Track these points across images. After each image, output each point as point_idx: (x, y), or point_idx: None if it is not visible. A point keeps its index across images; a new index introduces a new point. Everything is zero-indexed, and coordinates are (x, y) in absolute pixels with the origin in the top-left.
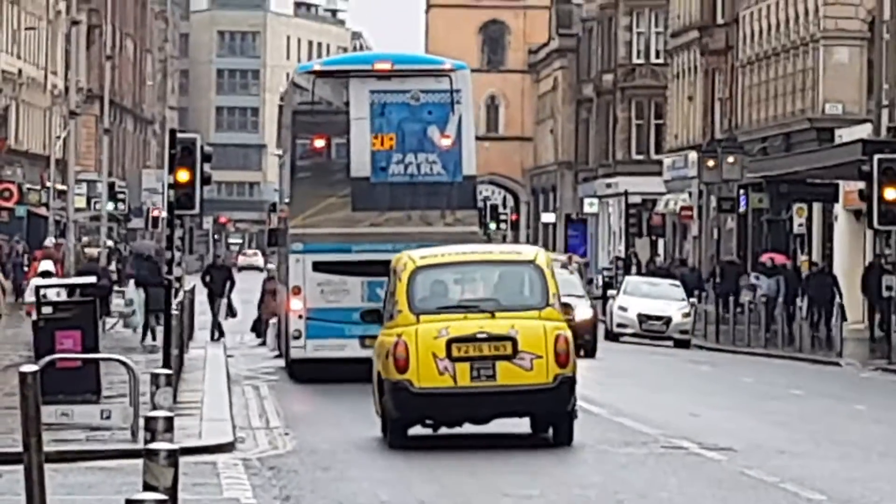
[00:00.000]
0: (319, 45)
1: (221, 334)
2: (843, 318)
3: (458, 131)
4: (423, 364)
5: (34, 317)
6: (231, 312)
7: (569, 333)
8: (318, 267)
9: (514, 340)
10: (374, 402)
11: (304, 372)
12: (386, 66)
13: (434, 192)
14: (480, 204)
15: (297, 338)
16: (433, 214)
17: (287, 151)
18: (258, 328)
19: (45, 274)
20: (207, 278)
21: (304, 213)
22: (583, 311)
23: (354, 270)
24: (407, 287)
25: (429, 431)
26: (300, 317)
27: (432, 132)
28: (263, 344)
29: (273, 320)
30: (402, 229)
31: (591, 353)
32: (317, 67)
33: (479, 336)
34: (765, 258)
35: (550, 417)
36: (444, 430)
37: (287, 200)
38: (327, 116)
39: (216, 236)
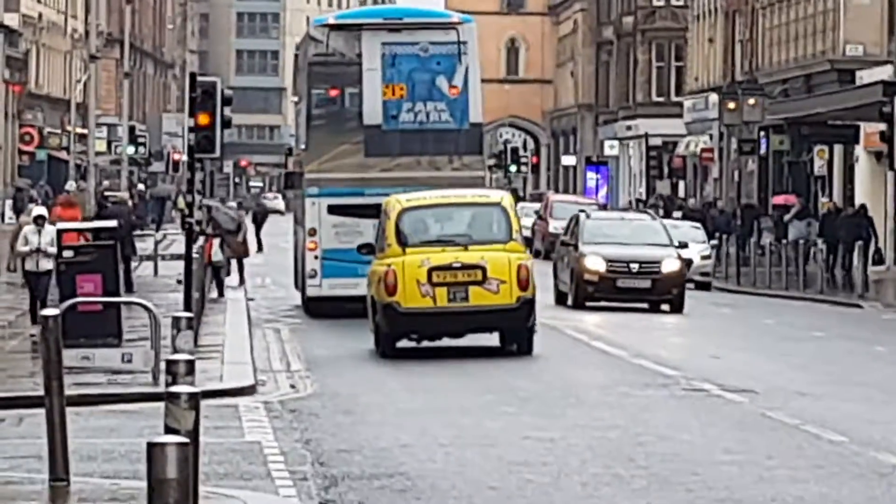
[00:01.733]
0: None
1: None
2: (878, 261)
3: (464, 81)
4: (409, 288)
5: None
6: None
7: (529, 263)
8: (332, 210)
9: (483, 269)
10: (369, 320)
11: (319, 308)
12: (397, 19)
13: (442, 139)
14: (501, 147)
15: (312, 276)
16: (441, 160)
17: (303, 100)
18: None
19: (38, 219)
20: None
21: (319, 159)
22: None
23: (367, 213)
24: (395, 225)
25: (413, 344)
26: (316, 257)
27: (440, 82)
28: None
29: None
30: (412, 174)
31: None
32: (331, 21)
33: (455, 265)
34: (778, 200)
35: (514, 333)
36: (426, 343)
37: (303, 146)
38: (341, 67)
39: (237, 179)
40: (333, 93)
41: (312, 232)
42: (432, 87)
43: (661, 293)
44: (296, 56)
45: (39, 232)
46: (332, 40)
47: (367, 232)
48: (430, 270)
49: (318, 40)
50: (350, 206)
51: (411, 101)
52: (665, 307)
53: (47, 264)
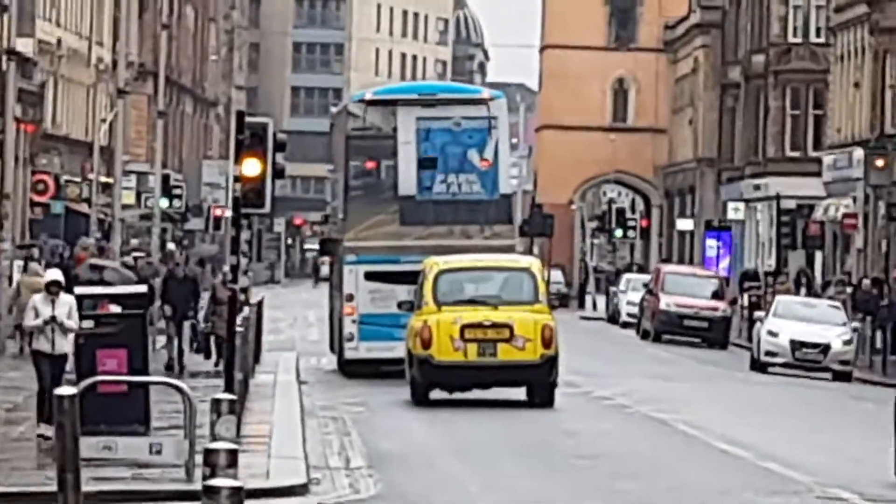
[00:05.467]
0: (416, 15)
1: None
2: None
3: (495, 154)
4: (443, 343)
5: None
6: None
7: (553, 323)
8: (369, 276)
9: (511, 327)
10: (406, 371)
11: (356, 370)
12: (430, 94)
13: (473, 209)
14: (604, 207)
15: (350, 340)
16: (473, 229)
17: (340, 171)
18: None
19: (51, 287)
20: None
21: (356, 228)
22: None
23: (402, 279)
24: (432, 285)
25: (445, 395)
26: (353, 321)
27: (472, 155)
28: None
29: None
30: (445, 242)
31: None
32: (368, 97)
33: (485, 323)
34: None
35: (537, 387)
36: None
37: (341, 216)
38: (378, 141)
39: (290, 241)
40: (370, 165)
41: (350, 297)
42: (464, 160)
43: None
44: (331, 126)
45: (53, 302)
46: (370, 115)
47: (402, 297)
48: (463, 327)
49: (355, 115)
50: (386, 273)
51: (444, 172)
52: None
53: (65, 344)
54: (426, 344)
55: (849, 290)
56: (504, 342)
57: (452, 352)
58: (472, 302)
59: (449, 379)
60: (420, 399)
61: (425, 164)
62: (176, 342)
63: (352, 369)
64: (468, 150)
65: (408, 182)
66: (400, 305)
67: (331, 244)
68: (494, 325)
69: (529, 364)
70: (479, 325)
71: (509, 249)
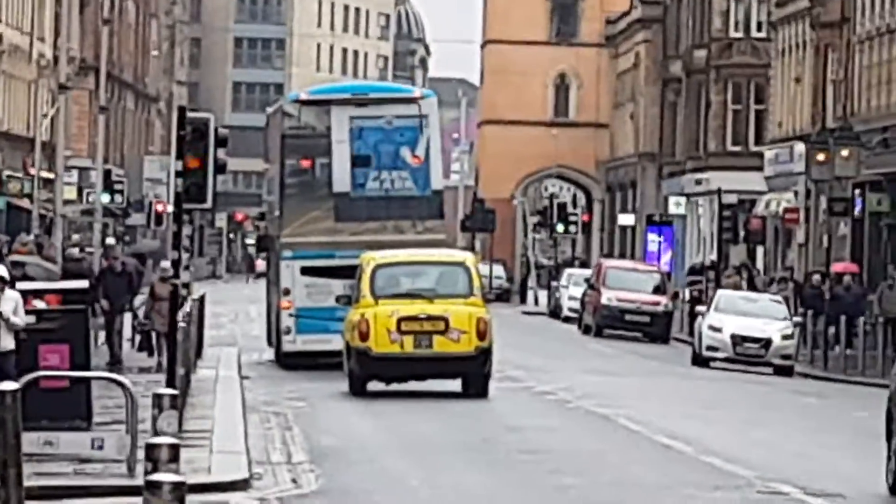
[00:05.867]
0: (357, 10)
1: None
2: None
3: (426, 151)
4: (380, 335)
5: None
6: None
7: (488, 316)
8: (305, 271)
9: (446, 320)
10: (344, 364)
11: (293, 363)
12: (363, 94)
13: (406, 205)
14: (545, 202)
15: (287, 333)
16: (405, 224)
17: (276, 169)
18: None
19: None
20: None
21: (293, 225)
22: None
23: (337, 274)
24: (370, 279)
25: (382, 386)
26: (290, 315)
27: (404, 152)
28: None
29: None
30: (379, 237)
31: None
32: (303, 97)
33: (421, 316)
34: (837, 268)
35: (472, 378)
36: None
37: (277, 213)
38: (312, 140)
39: (231, 236)
40: (305, 163)
41: (287, 292)
42: (396, 157)
43: None
44: (266, 124)
45: None
46: (304, 115)
47: (337, 291)
48: (399, 320)
49: (290, 114)
50: (322, 268)
51: (377, 170)
52: None
53: (10, 342)
54: (364, 336)
55: (791, 285)
56: (439, 334)
57: (389, 344)
58: (408, 295)
59: (386, 370)
60: (358, 390)
61: (359, 161)
62: (115, 337)
63: (289, 361)
64: (400, 147)
65: (342, 179)
66: (338, 299)
67: (267, 240)
68: (430, 318)
69: (464, 356)
70: (415, 318)
71: (440, 244)
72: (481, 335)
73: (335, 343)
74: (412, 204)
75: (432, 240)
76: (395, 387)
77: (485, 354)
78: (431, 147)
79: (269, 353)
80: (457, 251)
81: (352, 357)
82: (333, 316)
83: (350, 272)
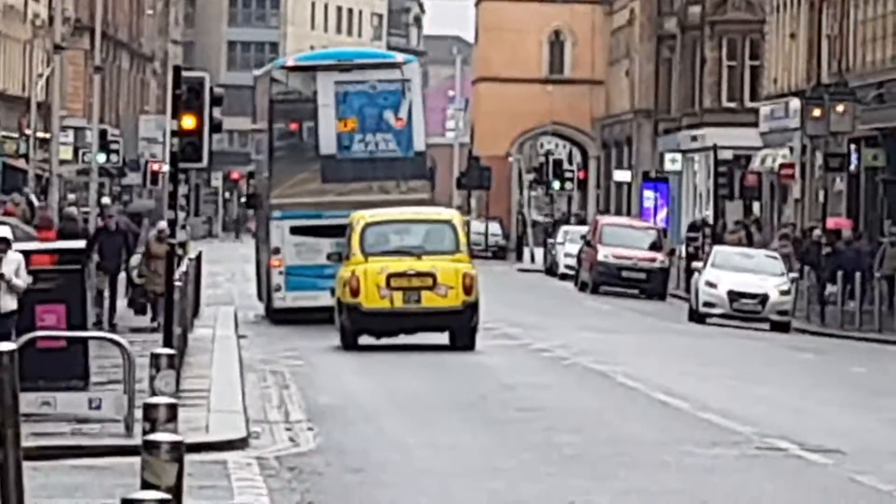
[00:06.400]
0: None
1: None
2: None
3: (409, 114)
4: (370, 291)
5: None
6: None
7: (474, 271)
8: (294, 230)
9: (434, 276)
10: (336, 319)
11: (283, 318)
12: (347, 60)
13: (390, 166)
14: (541, 159)
15: (277, 290)
16: (390, 184)
17: (265, 133)
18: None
19: None
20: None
21: (282, 186)
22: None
23: (325, 233)
24: (359, 236)
25: (373, 340)
26: (280, 272)
27: (388, 115)
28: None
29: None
30: (364, 197)
31: None
32: (290, 63)
33: (410, 272)
34: (830, 224)
35: (460, 331)
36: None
37: (267, 174)
38: (299, 104)
39: (227, 195)
40: (293, 127)
41: (277, 250)
42: (380, 120)
43: None
44: (253, 88)
45: (0, 260)
46: (291, 80)
47: (325, 249)
48: (389, 276)
49: (278, 80)
50: (310, 227)
51: (362, 132)
52: None
53: (11, 303)
54: (354, 292)
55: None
56: (427, 290)
57: (379, 299)
58: (397, 252)
59: (376, 325)
60: (349, 344)
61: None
62: (108, 296)
63: (279, 317)
64: (384, 110)
65: (328, 142)
66: (328, 257)
67: (256, 199)
68: (418, 274)
69: (452, 310)
70: (403, 275)
71: (424, 203)
72: (468, 290)
73: (323, 299)
74: (396, 165)
75: (417, 199)
76: (388, 342)
77: (471, 308)
78: (414, 110)
79: (261, 309)
80: (443, 209)
81: (343, 312)
82: (322, 273)
83: (337, 231)
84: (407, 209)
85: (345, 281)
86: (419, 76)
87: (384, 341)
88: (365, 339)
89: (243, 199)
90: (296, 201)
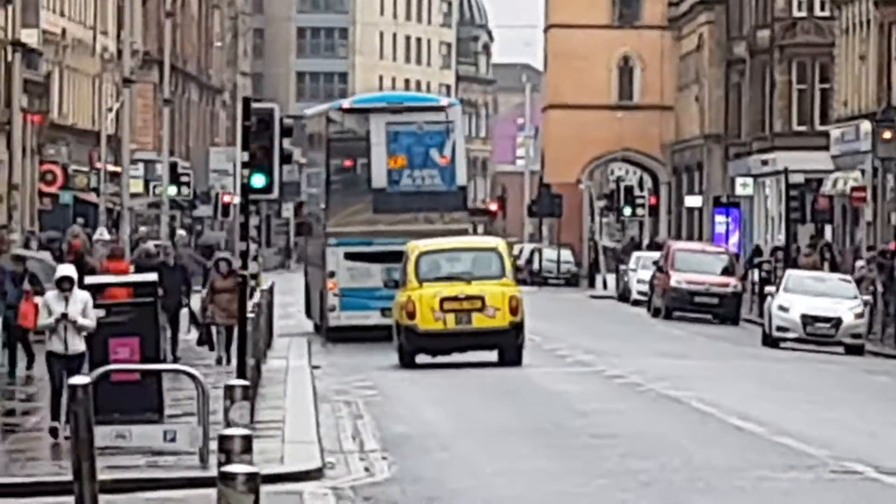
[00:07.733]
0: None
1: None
2: None
3: (452, 152)
4: (425, 314)
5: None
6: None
7: (519, 294)
8: (348, 256)
9: (483, 298)
10: (394, 340)
11: (337, 336)
12: (398, 103)
13: (434, 199)
14: (612, 185)
15: (332, 310)
16: (434, 215)
17: (322, 167)
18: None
19: (62, 283)
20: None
21: (337, 216)
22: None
23: (376, 258)
24: (414, 264)
25: (429, 359)
26: (335, 294)
27: (433, 153)
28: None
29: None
30: (411, 227)
31: None
32: (345, 105)
33: (461, 296)
34: (893, 246)
35: (507, 348)
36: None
37: (323, 206)
38: (354, 143)
39: None
40: (348, 163)
41: (332, 274)
42: (427, 158)
43: None
44: (305, 126)
45: (66, 299)
46: (347, 121)
47: (376, 273)
48: (442, 300)
49: (335, 121)
50: (362, 254)
51: (410, 168)
52: None
53: (79, 344)
54: (411, 315)
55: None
56: (477, 311)
57: (433, 321)
58: (448, 278)
59: (431, 345)
60: (407, 363)
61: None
62: (169, 332)
63: (333, 335)
64: (430, 149)
65: (379, 177)
66: (385, 284)
67: (304, 227)
68: (469, 298)
69: (499, 330)
70: (455, 298)
71: (464, 232)
72: (514, 311)
73: (374, 318)
74: (440, 198)
75: (458, 229)
76: (452, 367)
77: (517, 328)
78: (457, 148)
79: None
80: (489, 238)
81: (401, 334)
82: (373, 295)
83: (387, 257)
84: (455, 239)
85: (402, 305)
86: (461, 118)
87: (439, 359)
88: (421, 358)
89: (293, 228)
90: (350, 230)
